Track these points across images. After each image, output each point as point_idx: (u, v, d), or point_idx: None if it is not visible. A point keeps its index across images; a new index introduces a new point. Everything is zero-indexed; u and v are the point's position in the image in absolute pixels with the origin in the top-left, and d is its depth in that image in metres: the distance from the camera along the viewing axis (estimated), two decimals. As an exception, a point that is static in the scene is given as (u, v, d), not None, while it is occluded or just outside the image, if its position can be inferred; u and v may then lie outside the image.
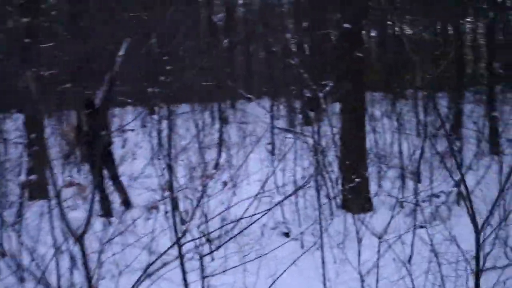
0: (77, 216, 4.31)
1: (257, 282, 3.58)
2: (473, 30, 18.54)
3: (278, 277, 3.03)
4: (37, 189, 6.56)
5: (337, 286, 3.86)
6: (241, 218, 2.94)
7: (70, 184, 7.15)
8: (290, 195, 3.74)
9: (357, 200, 4.59)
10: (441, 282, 3.06)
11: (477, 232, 2.31)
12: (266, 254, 3.39)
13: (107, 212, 6.23)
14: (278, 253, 3.66)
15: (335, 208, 4.91)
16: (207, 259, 3.32)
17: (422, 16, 18.62)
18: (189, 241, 2.76)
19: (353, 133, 4.92)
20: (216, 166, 8.77)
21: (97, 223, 4.67)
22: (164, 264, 2.44)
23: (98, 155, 5.21)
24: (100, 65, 7.69)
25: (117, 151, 9.57)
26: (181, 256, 2.54)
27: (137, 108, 16.09)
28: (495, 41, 8.40)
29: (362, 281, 3.10)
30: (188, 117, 14.39)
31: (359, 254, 3.33)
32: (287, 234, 4.83)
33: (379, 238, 3.36)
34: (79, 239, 2.08)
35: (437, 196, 4.67)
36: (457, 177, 5.05)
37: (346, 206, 4.96)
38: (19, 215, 4.83)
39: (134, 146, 11.19)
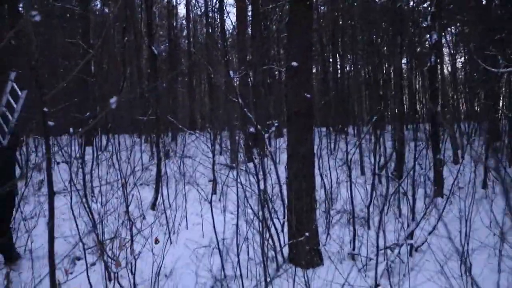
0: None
1: None
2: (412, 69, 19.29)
3: None
4: None
5: None
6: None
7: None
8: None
9: (305, 253, 4.18)
10: None
11: None
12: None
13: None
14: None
15: (282, 262, 4.46)
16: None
17: (364, 54, 19.17)
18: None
19: (301, 180, 4.54)
20: (153, 206, 8.13)
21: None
22: None
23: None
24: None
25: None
26: None
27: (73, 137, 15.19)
28: (436, 82, 8.47)
29: None
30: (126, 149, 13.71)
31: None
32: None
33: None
34: None
35: (391, 249, 4.35)
36: (410, 227, 4.81)
37: (293, 259, 4.53)
38: None
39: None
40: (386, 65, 20.07)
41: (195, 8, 26.72)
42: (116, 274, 3.65)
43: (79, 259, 5.05)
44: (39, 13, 1.62)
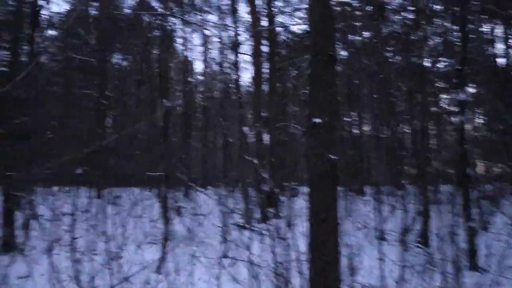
0: None
1: None
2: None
3: None
4: None
5: None
6: None
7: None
8: None
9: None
10: None
11: None
12: None
13: None
14: None
15: None
16: None
17: (380, 113, 18.87)
18: None
19: (324, 253, 4.01)
20: (159, 269, 7.55)
21: None
22: None
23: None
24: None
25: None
26: None
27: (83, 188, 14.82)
28: (464, 142, 7.99)
29: None
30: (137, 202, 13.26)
31: None
32: None
33: None
34: None
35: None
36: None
37: None
38: None
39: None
40: (402, 125, 19.76)
41: (211, 64, 27.00)
42: None
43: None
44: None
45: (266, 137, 12.73)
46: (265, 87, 15.91)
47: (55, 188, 14.92)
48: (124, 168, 15.50)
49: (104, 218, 11.28)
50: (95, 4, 20.25)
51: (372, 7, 15.79)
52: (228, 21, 20.33)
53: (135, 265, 6.82)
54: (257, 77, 15.23)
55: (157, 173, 9.73)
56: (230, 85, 21.51)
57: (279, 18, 17.94)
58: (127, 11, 21.25)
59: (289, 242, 5.94)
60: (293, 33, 20.33)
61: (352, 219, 11.90)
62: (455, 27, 13.10)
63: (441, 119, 18.66)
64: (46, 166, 10.44)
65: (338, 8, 17.62)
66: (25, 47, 10.36)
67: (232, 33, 17.19)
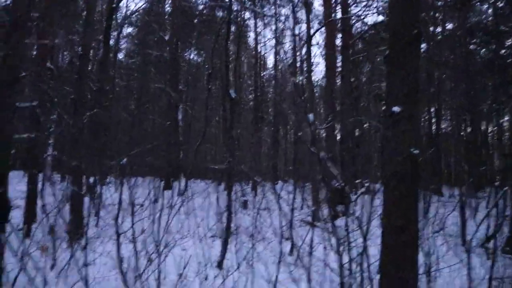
0: None
1: None
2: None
3: None
4: None
5: None
6: None
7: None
8: None
9: None
10: None
11: None
12: None
13: None
14: None
15: None
16: None
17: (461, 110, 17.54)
18: None
19: (400, 265, 3.45)
20: (220, 264, 7.31)
21: None
22: None
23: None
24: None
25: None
26: None
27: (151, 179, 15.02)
28: None
29: None
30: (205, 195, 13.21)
31: None
32: None
33: None
34: None
35: None
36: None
37: None
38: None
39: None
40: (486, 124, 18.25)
41: (283, 58, 26.59)
42: None
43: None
44: None
45: (338, 132, 12.15)
46: (338, 81, 15.29)
47: (125, 179, 15.21)
48: (193, 161, 15.55)
49: (171, 210, 11.30)
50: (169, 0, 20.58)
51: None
52: (301, 13, 19.84)
53: (196, 259, 6.60)
54: (330, 71, 14.64)
55: (224, 166, 9.53)
56: (302, 78, 21.02)
57: (354, 9, 17.14)
58: (200, 6, 21.41)
59: (358, 244, 5.42)
60: (368, 24, 19.43)
61: (430, 223, 11.03)
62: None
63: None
64: (121, 157, 10.65)
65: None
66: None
67: (304, 26, 16.70)
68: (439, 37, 18.25)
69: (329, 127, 12.35)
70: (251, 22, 22.63)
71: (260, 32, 27.46)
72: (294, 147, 20.90)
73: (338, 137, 12.84)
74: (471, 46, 17.88)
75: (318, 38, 47.21)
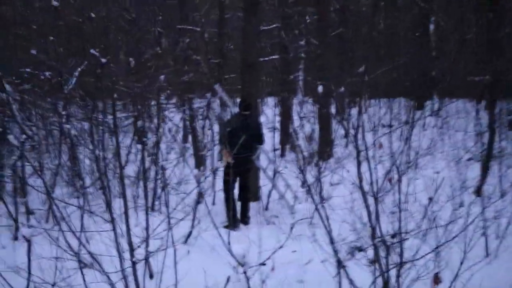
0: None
1: None
2: None
3: None
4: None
5: None
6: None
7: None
8: None
9: None
10: None
11: None
12: None
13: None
14: None
15: None
16: None
17: None
18: None
19: None
20: (478, 191, 6.41)
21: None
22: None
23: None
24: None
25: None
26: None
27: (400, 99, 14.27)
28: None
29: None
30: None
31: None
32: None
33: None
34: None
35: None
36: None
37: None
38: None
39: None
40: None
41: None
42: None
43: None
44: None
45: None
46: None
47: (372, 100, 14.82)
48: (448, 77, 14.06)
49: (419, 132, 10.54)
50: None
51: None
52: None
53: (449, 182, 5.92)
54: None
55: (484, 77, 8.13)
56: None
57: None
58: None
59: None
60: None
61: None
62: None
63: None
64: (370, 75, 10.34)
65: None
66: None
67: None
68: None
69: None
70: None
71: None
72: None
73: None
74: None
75: None
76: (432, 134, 10.67)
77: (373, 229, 3.03)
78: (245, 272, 2.64)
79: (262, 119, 11.36)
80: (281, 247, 2.83)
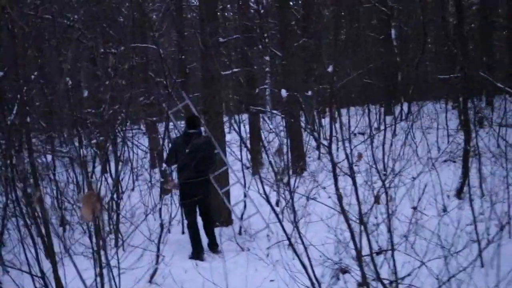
0: None
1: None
2: None
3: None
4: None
5: None
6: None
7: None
8: None
9: None
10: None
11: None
12: None
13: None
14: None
15: None
16: None
17: None
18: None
19: None
20: (460, 193, 6.15)
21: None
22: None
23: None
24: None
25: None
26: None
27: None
28: None
29: None
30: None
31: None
32: None
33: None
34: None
35: None
36: None
37: None
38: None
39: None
40: None
41: None
42: None
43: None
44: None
45: None
46: None
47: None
48: (413, 79, 14.01)
49: (394, 136, 10.32)
50: None
51: None
52: None
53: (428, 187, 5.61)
54: None
55: (453, 76, 7.96)
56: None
57: None
58: None
59: None
60: None
61: None
62: None
63: None
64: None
65: None
66: None
67: None
68: None
69: None
70: None
71: None
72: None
73: None
74: None
75: None
76: (403, 139, 10.48)
77: (359, 252, 2.64)
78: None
79: (229, 137, 10.96)
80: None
